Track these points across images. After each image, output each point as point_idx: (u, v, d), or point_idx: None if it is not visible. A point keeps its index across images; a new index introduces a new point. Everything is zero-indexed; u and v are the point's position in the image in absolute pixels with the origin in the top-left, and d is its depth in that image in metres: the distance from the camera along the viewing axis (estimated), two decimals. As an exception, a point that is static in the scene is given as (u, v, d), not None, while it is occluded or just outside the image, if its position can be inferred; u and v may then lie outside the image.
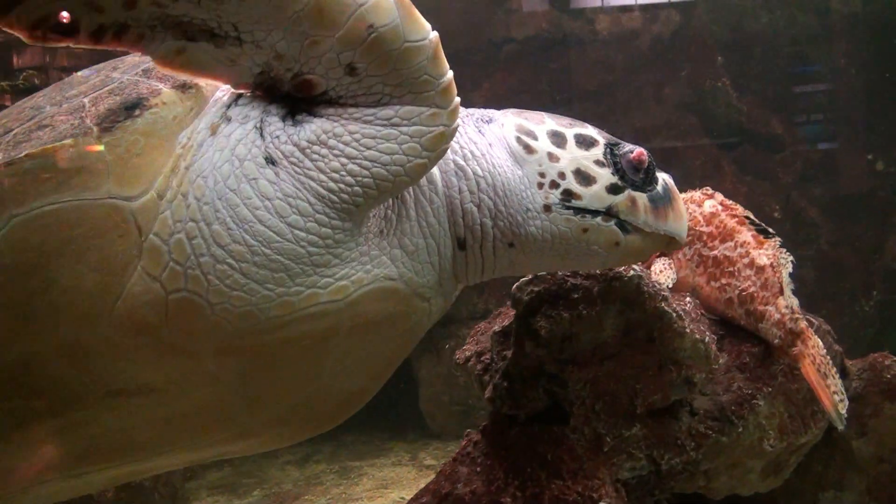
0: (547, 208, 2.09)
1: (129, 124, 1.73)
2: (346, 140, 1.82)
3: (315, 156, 1.81)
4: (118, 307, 1.71)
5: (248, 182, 1.78)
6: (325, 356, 1.97)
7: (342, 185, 1.82)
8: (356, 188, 1.83)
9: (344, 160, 1.82)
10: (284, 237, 1.78)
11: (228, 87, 1.85)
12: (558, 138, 2.14)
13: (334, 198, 1.82)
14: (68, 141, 1.69)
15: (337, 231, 1.85)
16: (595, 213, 2.10)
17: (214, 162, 1.79)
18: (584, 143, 2.14)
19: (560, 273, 2.54)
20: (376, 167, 1.83)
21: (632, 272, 2.53)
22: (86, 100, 1.80)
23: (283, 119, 1.84)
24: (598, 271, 2.52)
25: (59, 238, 1.67)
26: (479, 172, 2.10)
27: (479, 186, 2.10)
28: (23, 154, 1.67)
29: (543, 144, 2.12)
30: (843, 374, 2.93)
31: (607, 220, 2.11)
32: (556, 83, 6.23)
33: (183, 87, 1.82)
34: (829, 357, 2.62)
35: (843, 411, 2.49)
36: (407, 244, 2.02)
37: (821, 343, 2.58)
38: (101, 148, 1.71)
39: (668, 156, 6.06)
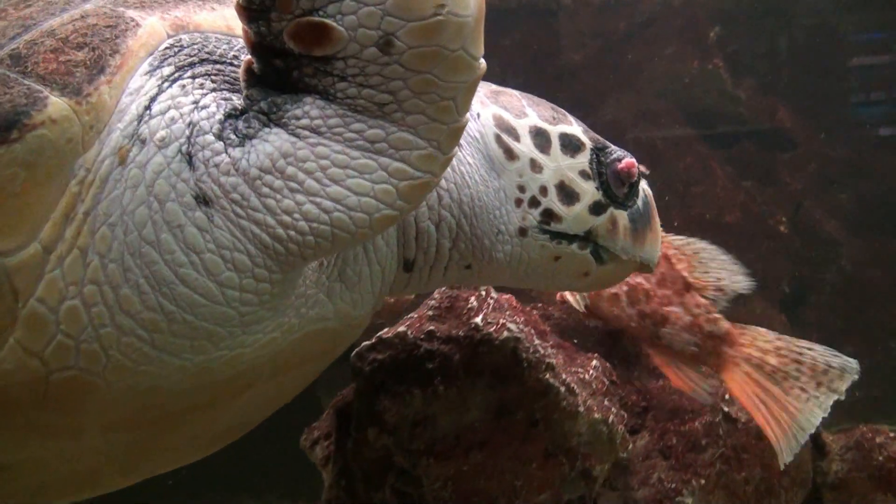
0: (522, 231, 1.89)
1: (2, 152, 1.36)
2: (310, 168, 1.48)
3: (265, 189, 1.47)
4: None
5: (171, 231, 1.46)
6: (233, 407, 1.73)
7: (292, 233, 1.49)
8: (308, 237, 1.50)
9: (301, 197, 1.48)
10: (213, 300, 1.50)
11: (138, 88, 1.52)
12: (542, 140, 1.92)
13: (280, 248, 1.50)
14: None
15: (276, 285, 1.55)
16: (572, 238, 1.92)
17: (125, 205, 1.46)
18: (570, 147, 1.93)
19: (411, 334, 2.26)
20: (339, 211, 1.49)
21: (505, 333, 2.24)
22: None
23: (222, 132, 1.49)
24: (460, 332, 2.26)
25: None
26: (443, 184, 1.85)
27: (441, 201, 1.86)
28: None
29: (526, 148, 1.90)
30: (821, 452, 2.66)
31: (583, 247, 1.94)
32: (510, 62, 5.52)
33: (77, 94, 1.42)
34: (790, 348, 2.32)
35: (801, 441, 2.18)
36: (349, 275, 1.77)
37: (768, 335, 2.37)
38: None
39: (645, 154, 5.33)
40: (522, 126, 1.91)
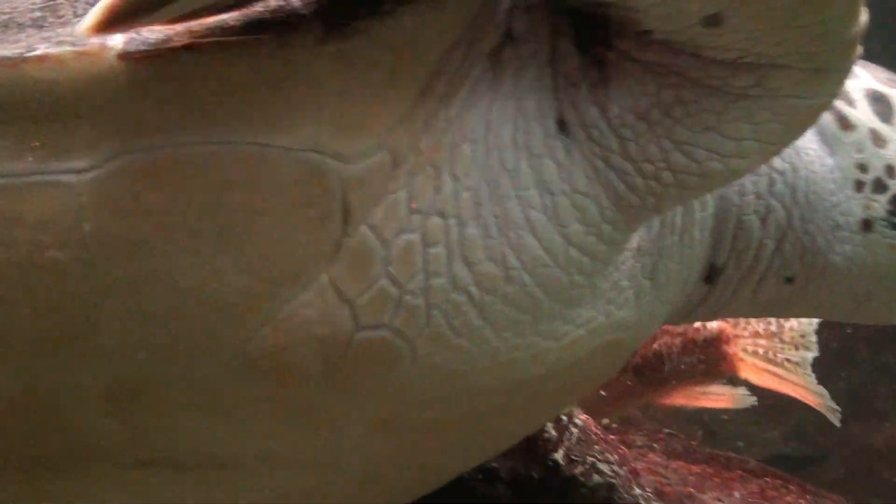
0: (866, 225, 1.57)
1: (372, 24, 1.10)
2: (677, 114, 1.26)
3: (628, 132, 1.26)
4: (261, 335, 1.14)
5: (530, 160, 1.23)
6: (495, 425, 1.48)
7: (652, 184, 1.29)
8: (671, 190, 1.30)
9: (668, 144, 1.28)
10: (554, 259, 1.26)
11: None
12: (883, 106, 1.59)
13: (634, 200, 1.29)
14: (266, 36, 1.07)
15: (612, 249, 1.33)
16: None
17: (492, 118, 1.22)
18: None
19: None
20: (713, 159, 1.28)
21: (596, 478, 1.84)
22: None
23: (581, 54, 1.26)
24: (533, 472, 1.86)
25: (194, 203, 1.08)
26: (777, 164, 1.53)
27: (773, 187, 1.56)
28: (175, 43, 1.06)
29: (864, 116, 1.58)
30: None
31: None
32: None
33: None
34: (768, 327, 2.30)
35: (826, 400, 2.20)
36: (660, 271, 1.48)
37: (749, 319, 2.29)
38: (322, 61, 1.09)
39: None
40: (855, 88, 1.59)
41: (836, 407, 2.31)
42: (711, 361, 2.38)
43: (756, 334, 2.37)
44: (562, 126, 1.24)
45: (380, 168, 1.13)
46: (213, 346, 1.14)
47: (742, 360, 2.37)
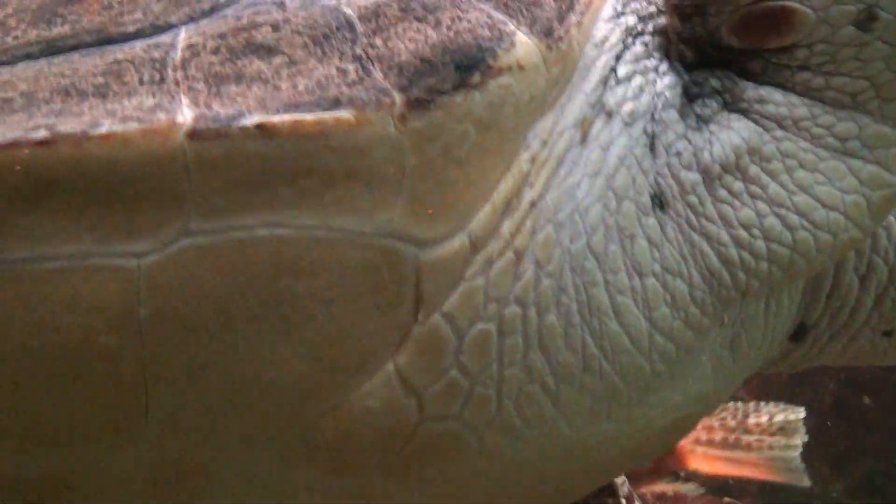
0: None
1: (457, 100, 1.04)
2: (775, 169, 1.22)
3: (723, 193, 1.21)
4: (321, 425, 1.10)
5: (621, 241, 1.18)
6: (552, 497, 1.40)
7: (746, 256, 1.23)
8: (762, 263, 1.23)
9: (762, 206, 1.22)
10: (638, 345, 1.21)
11: (603, 39, 1.21)
12: None
13: (726, 276, 1.23)
14: (344, 114, 1.00)
15: (697, 336, 1.27)
16: None
17: (579, 199, 1.16)
18: None
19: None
20: (804, 228, 1.23)
21: None
22: (351, 12, 1.08)
23: (684, 109, 1.23)
24: None
25: (258, 288, 1.03)
26: None
27: (877, 243, 1.49)
28: (247, 122, 0.99)
29: None
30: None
31: None
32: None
33: (548, 34, 1.11)
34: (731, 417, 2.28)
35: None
36: (742, 340, 1.38)
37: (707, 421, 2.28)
38: (403, 138, 1.03)
39: None
40: None
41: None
42: (660, 458, 2.35)
43: (714, 428, 2.36)
44: (657, 200, 1.20)
45: (458, 253, 1.08)
46: (270, 435, 1.09)
47: (691, 451, 2.35)
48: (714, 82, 1.23)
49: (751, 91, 1.22)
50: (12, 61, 1.02)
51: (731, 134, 1.21)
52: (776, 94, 1.22)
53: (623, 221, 1.17)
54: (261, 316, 1.03)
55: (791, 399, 2.62)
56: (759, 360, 1.46)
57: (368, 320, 1.06)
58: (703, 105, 1.23)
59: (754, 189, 1.21)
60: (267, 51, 1.03)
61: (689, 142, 1.21)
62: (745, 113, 1.22)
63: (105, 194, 0.98)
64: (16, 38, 1.04)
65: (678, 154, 1.21)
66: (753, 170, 1.21)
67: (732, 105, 1.23)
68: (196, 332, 1.03)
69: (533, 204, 1.12)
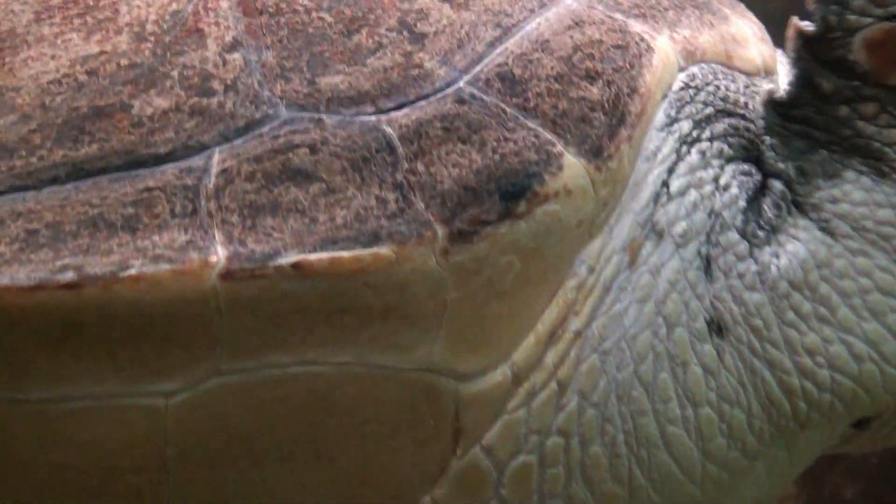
0: None
1: (502, 231, 1.00)
2: (847, 289, 1.14)
3: (791, 315, 1.14)
4: None
5: (672, 370, 1.13)
6: None
7: (808, 386, 1.15)
8: (825, 395, 1.16)
9: (829, 332, 1.15)
10: (690, 475, 1.15)
11: (654, 150, 1.15)
12: None
13: (786, 406, 1.15)
14: (384, 250, 0.97)
15: (754, 463, 1.20)
16: None
17: (627, 326, 1.11)
18: None
19: None
20: (871, 361, 1.15)
21: None
22: (392, 132, 1.03)
23: (746, 226, 1.16)
24: None
25: (290, 426, 1.00)
26: None
27: None
28: (283, 261, 0.96)
29: None
30: None
31: None
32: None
33: (596, 154, 1.05)
34: None
35: None
36: (799, 442, 1.26)
37: None
38: (445, 272, 1.00)
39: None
40: None
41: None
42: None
43: None
44: (714, 326, 1.13)
45: (499, 386, 1.04)
46: None
47: None
48: (788, 169, 1.16)
49: (827, 186, 1.15)
50: (38, 186, 0.98)
51: (797, 246, 1.14)
52: (857, 192, 1.14)
53: (675, 349, 1.12)
54: (291, 452, 1.01)
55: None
56: (818, 452, 1.36)
57: (405, 455, 1.03)
58: (772, 210, 1.16)
59: (823, 311, 1.14)
60: (304, 177, 0.99)
61: (755, 260, 1.14)
62: (813, 214, 1.15)
63: (133, 336, 0.94)
64: (41, 158, 1.00)
65: (740, 276, 1.14)
66: (824, 289, 1.13)
67: (802, 203, 1.15)
68: (223, 469, 1.00)
69: (578, 333, 1.08)
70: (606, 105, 1.07)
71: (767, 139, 1.18)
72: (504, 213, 0.99)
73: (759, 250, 1.15)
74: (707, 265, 1.14)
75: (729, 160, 1.18)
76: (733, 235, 1.15)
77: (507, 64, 1.07)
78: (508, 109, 1.04)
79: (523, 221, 1.00)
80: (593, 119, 1.06)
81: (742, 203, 1.16)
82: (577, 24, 1.12)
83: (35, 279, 0.92)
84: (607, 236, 1.10)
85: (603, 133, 1.06)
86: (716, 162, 1.17)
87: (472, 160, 1.00)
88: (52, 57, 1.06)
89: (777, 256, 1.14)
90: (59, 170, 0.99)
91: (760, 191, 1.17)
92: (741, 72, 1.23)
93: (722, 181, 1.16)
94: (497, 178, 0.99)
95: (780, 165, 1.17)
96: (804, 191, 1.16)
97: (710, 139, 1.17)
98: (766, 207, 1.16)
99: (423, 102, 1.03)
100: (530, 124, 1.03)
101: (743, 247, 1.14)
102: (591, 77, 1.08)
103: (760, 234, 1.15)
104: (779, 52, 1.35)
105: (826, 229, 1.15)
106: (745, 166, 1.18)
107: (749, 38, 1.28)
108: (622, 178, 1.09)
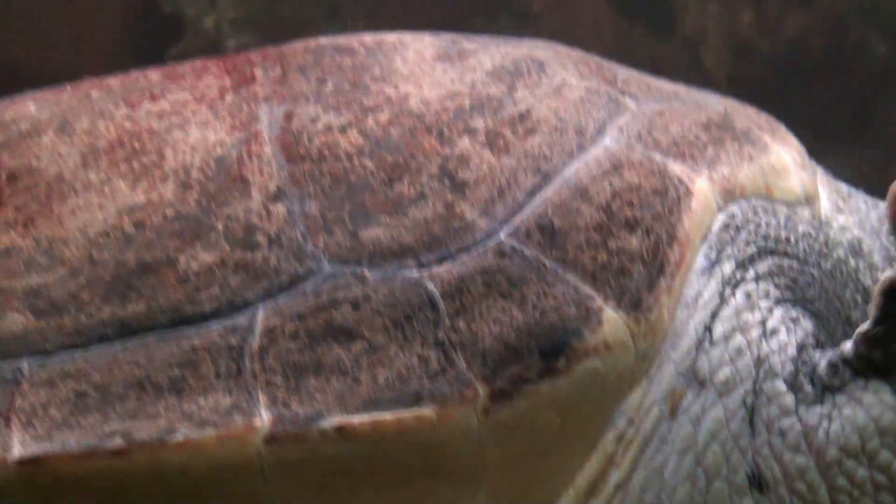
0: None
1: (542, 388, 1.01)
2: None
3: (842, 482, 1.08)
4: None
5: None
6: None
7: None
8: None
9: (888, 499, 1.09)
10: None
11: (695, 296, 1.13)
12: None
13: None
14: (426, 411, 0.98)
15: None
16: None
17: (666, 479, 1.09)
18: None
19: None
20: None
21: None
22: (434, 288, 1.05)
23: (796, 378, 1.11)
24: None
25: None
26: None
27: None
28: (326, 424, 0.97)
29: None
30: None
31: None
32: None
33: (635, 307, 1.05)
34: None
35: None
36: None
37: None
38: (486, 431, 1.01)
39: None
40: None
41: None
42: None
43: None
44: (755, 482, 1.09)
45: None
46: None
47: None
48: (857, 337, 1.07)
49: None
50: (86, 344, 1.01)
51: (857, 411, 1.07)
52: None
53: (713, 502, 1.09)
54: None
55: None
56: None
57: None
58: (822, 368, 1.09)
59: (880, 479, 1.06)
60: (347, 335, 1.01)
61: (799, 419, 1.09)
62: (885, 377, 1.07)
63: (179, 499, 0.96)
64: (90, 315, 1.02)
65: (782, 433, 1.09)
66: (884, 456, 1.06)
67: (872, 367, 1.07)
68: None
69: (619, 487, 1.07)
70: (645, 255, 1.07)
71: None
72: (544, 370, 1.00)
73: (806, 409, 1.09)
74: (751, 416, 1.10)
75: (777, 302, 1.15)
76: (780, 385, 1.11)
77: (546, 214, 1.08)
78: (548, 263, 1.05)
79: (563, 378, 1.00)
80: (633, 271, 1.06)
81: (792, 351, 1.12)
82: (615, 167, 1.13)
83: (85, 446, 0.94)
84: (647, 387, 1.09)
85: (642, 285, 1.06)
86: (763, 304, 1.14)
87: (513, 316, 1.02)
88: (100, 206, 1.10)
89: (829, 419, 1.08)
90: (107, 328, 1.02)
91: (815, 341, 1.13)
92: (782, 203, 1.22)
93: (770, 325, 1.13)
94: (537, 335, 1.01)
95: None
96: (874, 351, 1.06)
97: (756, 279, 1.15)
98: (820, 363, 1.10)
99: (464, 256, 1.05)
100: (569, 278, 1.04)
101: (789, 399, 1.10)
102: (631, 226, 1.08)
103: (808, 388, 1.10)
104: (819, 172, 1.35)
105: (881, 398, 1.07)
106: (794, 312, 1.16)
107: (789, 167, 1.25)
108: (661, 329, 1.08)
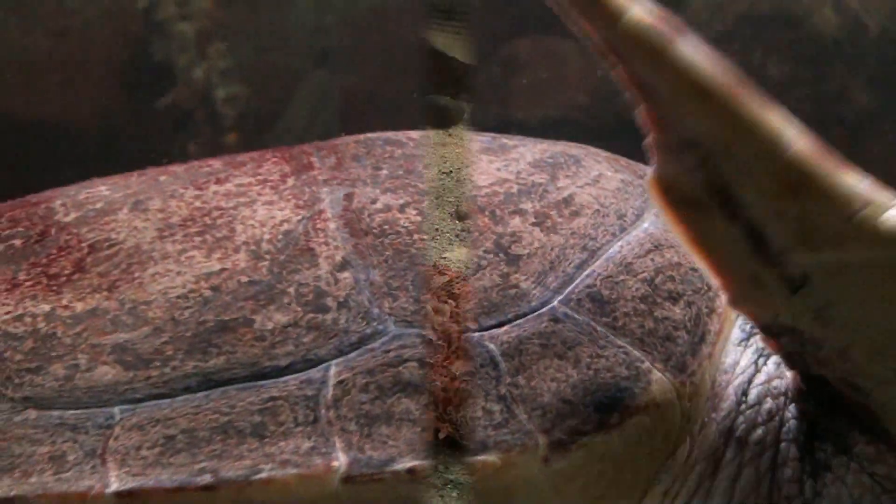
0: None
1: (596, 441, 1.09)
2: None
3: None
4: None
5: None
6: None
7: None
8: None
9: None
10: None
11: (734, 364, 1.24)
12: None
13: None
14: (491, 457, 1.06)
15: None
16: None
17: None
18: None
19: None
20: None
21: None
22: (495, 348, 1.13)
23: (804, 450, 1.20)
24: None
25: None
26: None
27: None
28: (398, 466, 1.05)
29: None
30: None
31: None
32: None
33: (681, 370, 1.14)
34: None
35: None
36: None
37: None
38: (545, 478, 1.09)
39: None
40: None
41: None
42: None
43: None
44: None
45: None
46: None
47: None
48: (834, 423, 1.17)
49: (862, 445, 1.16)
50: (172, 394, 1.08)
51: (840, 489, 1.17)
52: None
53: None
54: None
55: None
56: None
57: None
58: (820, 447, 1.18)
59: None
60: (414, 389, 1.08)
61: (802, 494, 1.18)
62: (855, 459, 1.17)
63: None
64: (174, 368, 1.10)
65: (788, 499, 1.18)
66: None
67: (849, 454, 1.17)
68: None
69: None
70: (688, 324, 1.17)
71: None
72: (599, 424, 1.09)
73: (806, 483, 1.18)
74: (772, 476, 1.19)
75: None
76: (794, 450, 1.19)
77: (595, 286, 1.18)
78: (599, 328, 1.14)
79: (616, 432, 1.09)
80: (677, 338, 1.16)
81: (804, 426, 1.20)
82: (656, 247, 1.23)
83: (177, 481, 1.01)
84: (691, 445, 1.17)
85: (687, 351, 1.15)
86: (788, 373, 1.22)
87: (569, 374, 1.11)
88: (178, 273, 1.18)
89: (820, 498, 1.18)
90: (191, 379, 1.09)
91: (817, 421, 1.20)
92: None
93: (791, 392, 1.22)
94: (592, 392, 1.10)
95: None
96: (850, 440, 1.17)
97: None
98: (818, 432, 1.19)
99: (521, 321, 1.14)
100: (619, 342, 1.14)
101: (796, 467, 1.18)
102: (674, 298, 1.18)
103: (813, 464, 1.18)
104: None
105: (873, 476, 1.17)
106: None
107: None
108: (704, 392, 1.18)
